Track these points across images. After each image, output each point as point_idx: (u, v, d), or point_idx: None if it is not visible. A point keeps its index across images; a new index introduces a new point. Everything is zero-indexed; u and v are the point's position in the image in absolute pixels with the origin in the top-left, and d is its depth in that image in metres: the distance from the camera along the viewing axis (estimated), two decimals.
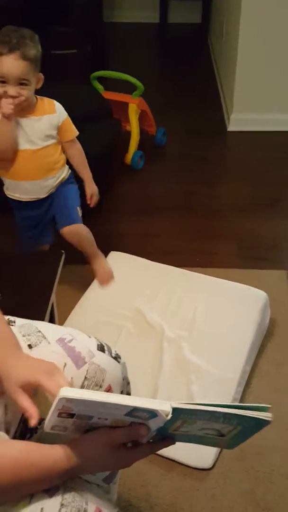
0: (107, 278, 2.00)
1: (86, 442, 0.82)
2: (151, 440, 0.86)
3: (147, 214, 2.69)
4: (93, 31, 3.86)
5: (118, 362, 1.04)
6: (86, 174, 1.95)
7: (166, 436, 0.86)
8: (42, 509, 0.80)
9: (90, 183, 1.97)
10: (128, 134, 2.97)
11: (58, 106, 1.77)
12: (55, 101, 1.77)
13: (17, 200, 1.86)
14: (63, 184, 1.88)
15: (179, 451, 1.49)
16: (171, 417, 0.76)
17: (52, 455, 0.81)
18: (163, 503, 1.42)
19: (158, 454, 1.50)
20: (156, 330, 1.84)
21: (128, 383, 1.09)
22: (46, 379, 0.84)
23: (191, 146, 3.23)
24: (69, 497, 0.82)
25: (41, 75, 1.68)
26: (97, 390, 0.97)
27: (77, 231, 1.93)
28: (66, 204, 1.90)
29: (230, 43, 3.38)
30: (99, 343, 1.04)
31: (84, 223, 2.61)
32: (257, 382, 1.76)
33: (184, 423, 0.81)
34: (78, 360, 0.98)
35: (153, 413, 0.77)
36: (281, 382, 1.76)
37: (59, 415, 0.78)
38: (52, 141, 1.77)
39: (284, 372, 1.80)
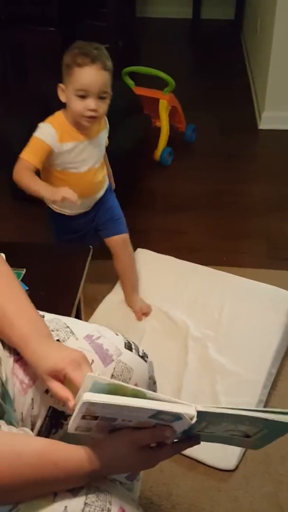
0: (145, 313, 1.92)
1: (110, 444, 0.82)
2: (175, 440, 0.85)
3: (174, 211, 2.67)
4: (125, 26, 3.86)
5: (145, 361, 1.04)
6: (108, 168, 1.92)
7: (191, 436, 0.86)
8: (66, 507, 0.80)
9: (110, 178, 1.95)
10: (157, 130, 2.95)
11: (104, 118, 1.73)
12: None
13: (63, 214, 1.80)
14: (105, 192, 1.85)
15: (202, 451, 1.48)
16: (196, 420, 0.76)
17: (77, 457, 0.81)
18: (184, 502, 1.41)
19: (181, 453, 1.49)
20: (181, 329, 1.83)
21: (155, 383, 1.08)
22: (72, 369, 0.85)
23: (221, 143, 3.20)
24: (92, 496, 0.82)
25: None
26: None
27: (125, 239, 1.93)
28: (112, 214, 1.88)
29: (264, 39, 3.33)
30: (127, 341, 1.03)
31: None
32: (283, 384, 1.73)
33: (210, 424, 0.81)
34: (105, 357, 0.98)
35: (178, 416, 0.76)
36: (285, 379, 1.74)
37: (83, 417, 0.78)
38: (103, 157, 1.77)
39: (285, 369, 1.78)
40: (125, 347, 1.01)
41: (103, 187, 1.81)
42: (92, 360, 0.96)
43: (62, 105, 1.63)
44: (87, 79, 1.49)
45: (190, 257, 2.17)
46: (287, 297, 1.89)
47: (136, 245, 2.25)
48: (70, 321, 1.05)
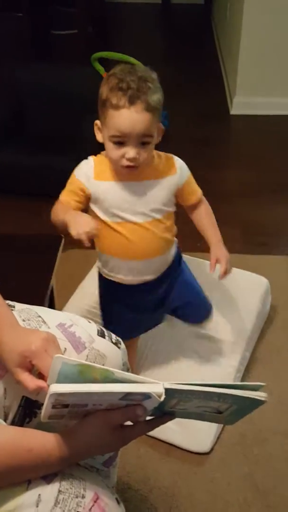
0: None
1: (83, 427, 0.83)
2: (150, 418, 0.86)
3: None
4: (95, 11, 3.81)
5: (118, 347, 1.04)
6: (215, 235, 1.49)
7: (164, 413, 0.86)
8: (39, 495, 0.80)
9: (220, 246, 1.48)
10: None
11: (179, 163, 1.36)
12: (175, 157, 1.37)
13: (117, 282, 1.43)
14: (174, 262, 1.49)
15: (178, 435, 1.50)
16: (165, 397, 0.76)
17: (51, 442, 0.81)
18: (162, 486, 1.43)
19: (157, 438, 1.51)
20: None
21: (128, 369, 1.09)
22: (39, 359, 0.85)
23: (194, 129, 3.20)
24: (66, 483, 0.82)
25: (161, 125, 1.28)
26: None
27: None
28: (192, 292, 1.54)
29: (234, 25, 3.33)
30: (99, 329, 1.03)
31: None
32: (257, 368, 1.76)
33: (181, 401, 0.81)
34: (78, 345, 0.98)
35: (147, 395, 0.77)
36: (280, 368, 1.76)
37: (54, 407, 0.78)
38: (169, 209, 1.36)
39: (284, 358, 1.80)
40: (98, 334, 1.01)
41: (167, 249, 1.41)
42: (65, 348, 0.96)
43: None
44: (123, 125, 1.18)
45: None
46: (261, 282, 1.91)
47: None
48: (42, 310, 1.04)
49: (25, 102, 2.68)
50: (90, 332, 1.01)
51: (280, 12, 2.99)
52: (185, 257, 2.07)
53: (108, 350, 1.00)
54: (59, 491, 0.81)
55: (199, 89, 3.63)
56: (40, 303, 1.38)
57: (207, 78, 3.77)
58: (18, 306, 1.04)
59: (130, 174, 1.26)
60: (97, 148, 2.65)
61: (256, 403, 0.82)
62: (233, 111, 3.34)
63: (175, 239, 1.47)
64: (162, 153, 1.34)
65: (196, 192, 1.41)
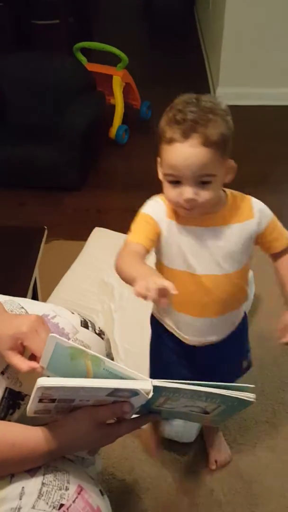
0: (224, 462, 1.47)
1: (69, 422, 0.82)
2: (136, 415, 0.86)
3: (132, 189, 2.66)
4: (77, 1, 3.77)
5: (102, 338, 1.04)
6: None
7: (151, 411, 0.86)
8: (23, 488, 0.80)
9: None
10: (112, 107, 2.92)
11: (257, 206, 1.11)
12: (252, 199, 1.12)
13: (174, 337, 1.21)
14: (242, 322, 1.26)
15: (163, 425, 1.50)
16: (153, 394, 0.76)
17: (34, 437, 0.81)
18: (147, 476, 1.43)
19: (142, 429, 1.51)
20: (141, 307, 1.84)
21: (112, 359, 1.09)
22: (30, 340, 0.84)
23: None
24: (50, 476, 0.82)
25: (232, 163, 1.06)
26: None
27: None
28: (234, 353, 1.28)
29: (217, 15, 3.32)
30: (83, 319, 1.03)
31: (67, 199, 2.60)
32: None
33: (168, 400, 0.81)
34: (61, 336, 0.97)
35: (134, 392, 0.77)
36: (264, 357, 1.77)
37: (40, 401, 0.78)
38: (243, 261, 1.12)
39: (267, 347, 1.81)
40: (81, 325, 1.01)
41: (234, 308, 1.17)
42: None
43: None
44: (176, 161, 1.00)
45: None
46: None
47: (93, 225, 2.24)
48: (25, 301, 1.04)
49: (6, 92, 2.65)
50: (74, 323, 1.00)
51: (262, 3, 2.99)
52: None
53: (92, 340, 1.00)
54: (43, 484, 0.81)
55: (182, 79, 3.62)
56: (23, 295, 1.37)
57: (190, 68, 3.76)
58: (1, 297, 1.03)
59: (192, 217, 1.06)
60: (79, 139, 2.64)
61: (244, 403, 0.82)
62: None
63: (248, 292, 1.21)
64: (237, 194, 1.11)
65: (281, 238, 1.13)
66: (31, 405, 0.79)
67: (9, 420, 0.89)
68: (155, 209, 1.14)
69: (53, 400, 0.78)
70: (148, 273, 0.95)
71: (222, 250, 1.08)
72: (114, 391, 0.76)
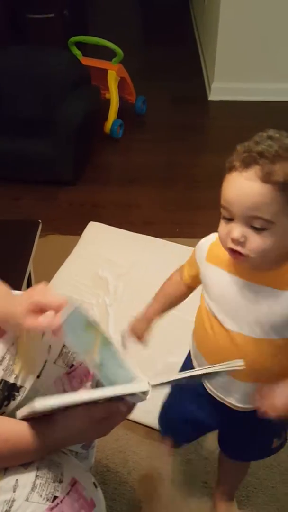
0: None
1: (64, 420, 0.82)
2: None
3: (127, 184, 2.66)
4: None
5: None
6: None
7: None
8: (17, 480, 0.80)
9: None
10: (107, 102, 2.92)
11: None
12: None
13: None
14: None
15: (156, 417, 1.51)
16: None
17: (28, 433, 0.81)
18: (141, 468, 1.45)
19: (136, 422, 1.52)
20: (133, 301, 1.84)
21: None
22: (45, 296, 0.84)
23: (172, 115, 3.19)
24: (44, 468, 0.83)
25: None
26: (75, 357, 0.98)
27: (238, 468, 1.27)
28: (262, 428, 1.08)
29: (212, 10, 3.31)
30: None
31: (62, 193, 2.60)
32: None
33: None
34: (56, 328, 0.98)
35: (132, 394, 0.77)
36: None
37: (35, 414, 0.78)
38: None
39: None
40: None
41: (270, 381, 0.94)
42: (43, 332, 0.96)
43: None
44: (228, 192, 0.85)
45: (144, 229, 2.18)
46: None
47: (88, 219, 2.24)
48: (19, 295, 1.04)
49: (1, 86, 2.65)
50: None
51: None
52: (164, 241, 2.09)
53: None
54: (36, 476, 0.82)
55: (178, 74, 3.62)
56: (18, 289, 1.37)
57: (185, 63, 3.76)
58: None
59: (240, 267, 0.91)
60: (74, 134, 2.64)
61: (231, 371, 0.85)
62: (211, 97, 3.34)
63: None
64: None
65: None
66: (22, 411, 0.79)
67: (4, 412, 0.90)
68: (202, 247, 1.01)
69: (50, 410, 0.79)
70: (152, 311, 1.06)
71: (263, 314, 0.91)
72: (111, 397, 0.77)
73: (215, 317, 0.96)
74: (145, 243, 2.09)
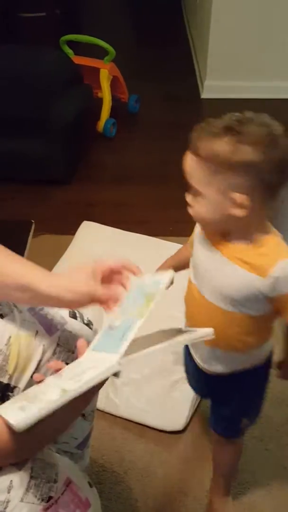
0: None
1: None
2: None
3: (120, 183, 2.66)
4: None
5: (90, 328, 1.05)
6: None
7: None
8: (11, 481, 0.80)
9: None
10: (99, 101, 2.91)
11: (279, 271, 0.92)
12: (283, 262, 0.93)
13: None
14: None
15: (151, 416, 1.51)
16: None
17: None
18: (136, 467, 1.44)
19: (132, 421, 1.52)
20: None
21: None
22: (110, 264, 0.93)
23: (165, 113, 3.19)
24: (38, 469, 0.82)
25: (241, 198, 0.89)
26: (69, 356, 0.98)
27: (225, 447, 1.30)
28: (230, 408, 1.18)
29: (204, 8, 3.31)
30: (71, 310, 1.03)
31: (55, 192, 2.59)
32: None
33: None
34: (50, 327, 0.98)
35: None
36: None
37: None
38: (245, 311, 0.99)
39: None
40: (69, 316, 1.02)
41: (232, 351, 1.06)
42: (37, 331, 0.96)
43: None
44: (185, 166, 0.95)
45: (137, 228, 2.18)
46: None
47: (82, 218, 2.23)
48: None
49: None
50: (62, 314, 1.01)
51: None
52: (157, 240, 2.08)
53: (80, 330, 1.01)
54: (31, 477, 0.81)
55: (170, 72, 3.62)
56: None
57: (178, 61, 3.76)
58: None
59: (213, 235, 0.99)
60: (67, 132, 2.62)
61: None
62: (204, 95, 3.34)
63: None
64: (272, 243, 0.95)
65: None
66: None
67: None
68: None
69: None
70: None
71: (220, 284, 0.98)
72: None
73: (192, 283, 1.06)
74: (139, 242, 2.09)
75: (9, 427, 0.72)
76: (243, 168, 0.87)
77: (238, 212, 0.90)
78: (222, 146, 0.87)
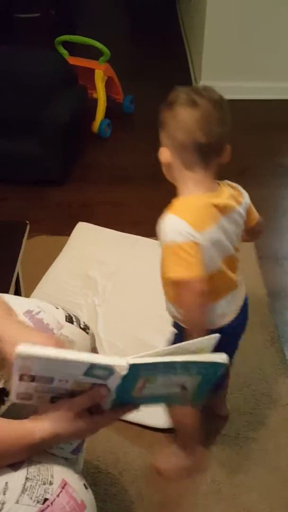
0: (169, 470, 1.40)
1: (49, 414, 0.82)
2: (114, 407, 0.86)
3: (116, 183, 2.66)
4: None
5: (87, 332, 1.04)
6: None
7: (131, 401, 0.87)
8: (6, 483, 0.80)
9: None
10: (94, 101, 2.91)
11: (161, 220, 1.15)
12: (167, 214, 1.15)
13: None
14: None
15: (147, 415, 1.51)
16: (129, 372, 0.76)
17: (15, 430, 0.81)
18: (132, 468, 1.44)
19: (127, 422, 1.52)
20: (123, 301, 1.84)
21: (97, 353, 1.09)
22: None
23: (159, 114, 3.19)
24: (34, 470, 0.82)
25: (162, 150, 1.17)
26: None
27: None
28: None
29: (199, 8, 3.32)
30: (67, 314, 1.03)
31: (50, 193, 2.59)
32: None
33: (146, 383, 0.82)
34: (46, 331, 0.97)
35: (110, 370, 0.77)
36: (246, 348, 1.79)
37: (21, 378, 0.78)
38: None
39: (249, 338, 1.83)
40: (66, 320, 1.01)
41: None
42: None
43: None
44: None
45: (133, 229, 2.18)
46: None
47: (77, 219, 2.23)
48: (9, 297, 1.03)
49: None
50: (58, 318, 1.00)
51: None
52: (153, 241, 2.08)
53: (77, 335, 1.00)
54: (27, 478, 0.81)
55: (165, 73, 3.62)
56: (5, 290, 1.36)
57: (172, 62, 3.76)
58: None
59: None
60: (62, 133, 2.61)
61: (218, 367, 0.83)
62: None
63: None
64: (179, 199, 1.18)
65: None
66: (13, 385, 0.79)
67: None
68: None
69: (32, 379, 0.79)
70: None
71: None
72: (91, 369, 0.77)
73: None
74: (134, 243, 2.09)
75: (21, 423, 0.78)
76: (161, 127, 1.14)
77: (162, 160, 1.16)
78: (166, 109, 1.15)
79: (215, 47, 3.15)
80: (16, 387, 0.80)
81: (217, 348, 1.09)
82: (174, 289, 1.16)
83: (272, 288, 2.04)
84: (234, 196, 1.20)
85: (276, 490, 1.41)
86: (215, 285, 1.15)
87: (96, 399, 0.82)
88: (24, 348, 0.75)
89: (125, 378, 0.77)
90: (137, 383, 0.81)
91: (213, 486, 1.41)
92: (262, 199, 2.51)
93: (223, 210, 1.15)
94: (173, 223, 1.09)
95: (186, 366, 0.81)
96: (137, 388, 0.82)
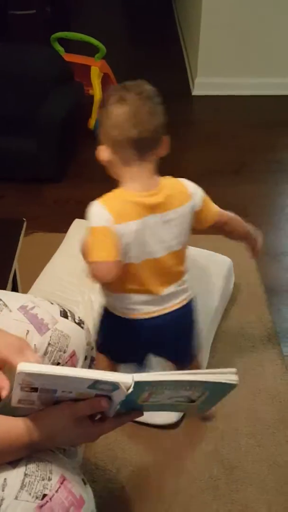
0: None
1: (49, 416, 0.82)
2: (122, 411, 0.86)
3: (112, 180, 2.64)
4: None
5: (82, 327, 1.04)
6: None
7: (136, 408, 0.86)
8: (5, 479, 0.80)
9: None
10: (91, 98, 2.90)
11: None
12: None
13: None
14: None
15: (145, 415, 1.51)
16: (134, 389, 0.76)
17: (15, 429, 0.80)
18: (129, 464, 1.44)
19: None
20: None
21: (92, 348, 1.09)
22: (16, 357, 0.82)
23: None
24: (32, 466, 0.82)
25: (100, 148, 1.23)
26: (61, 355, 0.97)
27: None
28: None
29: (195, 5, 3.31)
30: (62, 310, 1.03)
31: (47, 190, 2.58)
32: (221, 346, 1.78)
33: (152, 394, 0.81)
34: (41, 326, 0.97)
35: (115, 386, 0.76)
36: (243, 344, 1.80)
37: (22, 389, 0.77)
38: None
39: (248, 334, 1.84)
40: (60, 315, 1.01)
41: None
42: (28, 330, 0.95)
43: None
44: None
45: None
46: (223, 261, 1.93)
47: (73, 216, 2.23)
48: (3, 293, 1.03)
49: None
50: (53, 313, 1.00)
51: None
52: None
53: (72, 330, 1.00)
54: (25, 474, 0.81)
55: (161, 70, 3.61)
56: (2, 288, 1.36)
57: (168, 59, 3.76)
58: None
59: None
60: (58, 130, 2.60)
61: (227, 387, 0.82)
62: (195, 92, 3.35)
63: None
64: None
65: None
66: (13, 393, 0.79)
67: None
68: None
69: (35, 389, 0.78)
70: None
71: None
72: (96, 383, 0.76)
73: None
74: None
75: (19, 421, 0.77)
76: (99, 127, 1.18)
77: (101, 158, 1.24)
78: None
79: (211, 44, 3.15)
80: (18, 395, 0.79)
81: (149, 339, 1.28)
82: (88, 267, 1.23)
83: (269, 284, 2.05)
84: (173, 196, 1.22)
85: (274, 486, 1.41)
86: (126, 277, 1.21)
87: (97, 408, 0.81)
88: (27, 367, 0.74)
89: (130, 393, 0.77)
90: (142, 394, 0.80)
91: (210, 482, 1.41)
92: (260, 195, 2.53)
93: (152, 208, 1.18)
94: (97, 210, 1.20)
95: (194, 384, 0.80)
96: (143, 397, 0.81)
